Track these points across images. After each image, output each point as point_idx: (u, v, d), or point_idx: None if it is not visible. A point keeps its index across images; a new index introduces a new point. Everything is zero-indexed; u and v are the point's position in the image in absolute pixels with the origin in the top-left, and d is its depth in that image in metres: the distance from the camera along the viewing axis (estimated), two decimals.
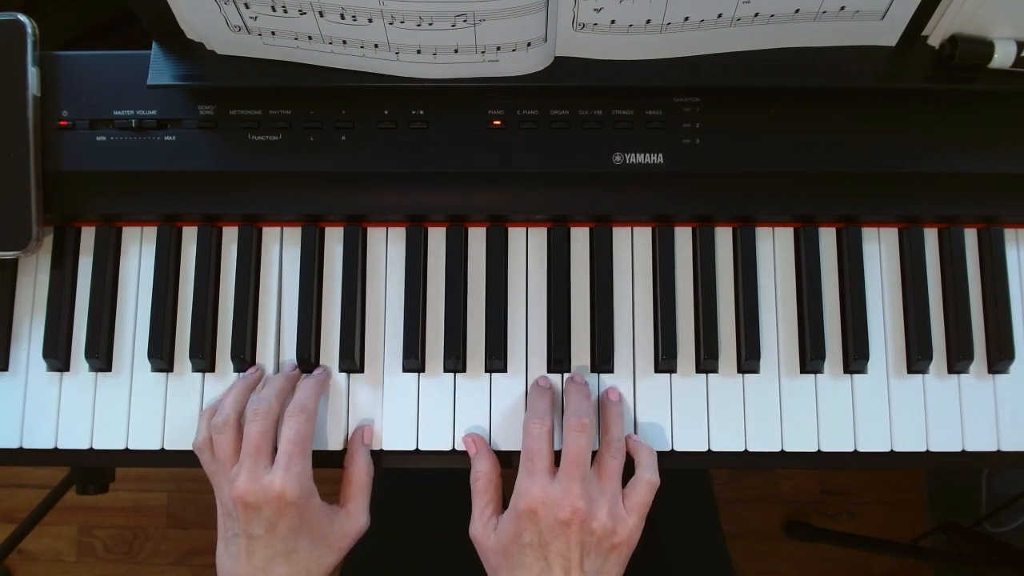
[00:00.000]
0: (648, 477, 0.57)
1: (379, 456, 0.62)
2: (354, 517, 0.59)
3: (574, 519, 0.52)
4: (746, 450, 0.61)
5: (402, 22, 0.53)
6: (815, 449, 0.62)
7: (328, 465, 0.62)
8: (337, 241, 0.64)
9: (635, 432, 0.62)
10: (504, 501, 0.58)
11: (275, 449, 0.57)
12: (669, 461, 0.61)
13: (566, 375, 0.62)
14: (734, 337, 0.63)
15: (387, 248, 0.64)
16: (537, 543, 0.53)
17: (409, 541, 0.80)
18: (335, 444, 0.62)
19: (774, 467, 0.62)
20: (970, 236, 0.65)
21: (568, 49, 0.58)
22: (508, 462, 0.61)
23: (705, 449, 0.62)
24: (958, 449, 0.62)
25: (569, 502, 0.53)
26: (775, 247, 0.64)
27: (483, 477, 0.58)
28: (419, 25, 0.53)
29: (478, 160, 0.60)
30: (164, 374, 0.63)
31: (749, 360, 0.62)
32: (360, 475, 0.59)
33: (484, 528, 0.57)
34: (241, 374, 0.62)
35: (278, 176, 0.61)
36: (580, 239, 0.64)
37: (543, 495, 0.53)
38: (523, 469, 0.56)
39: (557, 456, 0.57)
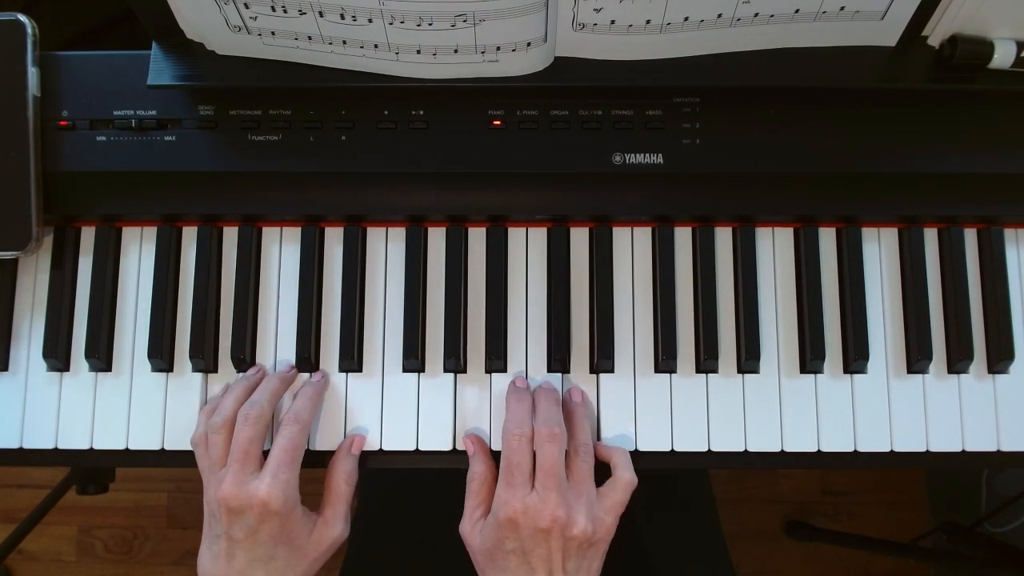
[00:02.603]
0: (628, 478, 0.58)
1: (379, 456, 0.62)
2: (330, 525, 0.58)
3: (554, 527, 0.53)
4: (746, 450, 0.61)
5: (402, 22, 0.53)
6: (815, 449, 0.62)
7: (323, 465, 0.62)
8: (337, 241, 0.64)
9: (635, 432, 0.62)
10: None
11: (267, 452, 0.57)
12: (669, 461, 0.61)
13: (569, 374, 0.62)
14: (734, 337, 0.63)
15: (387, 248, 0.64)
16: (520, 550, 0.54)
17: (410, 541, 0.80)
18: (331, 444, 0.62)
19: (774, 467, 0.62)
20: (970, 236, 0.65)
21: (568, 49, 0.58)
22: None
23: (705, 449, 0.62)
24: (958, 449, 0.62)
25: (549, 511, 0.53)
26: (775, 247, 0.64)
27: (478, 478, 0.59)
28: (419, 25, 0.53)
29: (478, 160, 0.60)
30: (164, 374, 0.63)
31: (749, 360, 0.62)
32: (340, 484, 0.59)
33: (472, 528, 0.57)
34: (242, 374, 0.62)
35: (278, 176, 0.60)
36: (580, 239, 0.64)
37: (523, 507, 0.54)
38: (503, 481, 0.56)
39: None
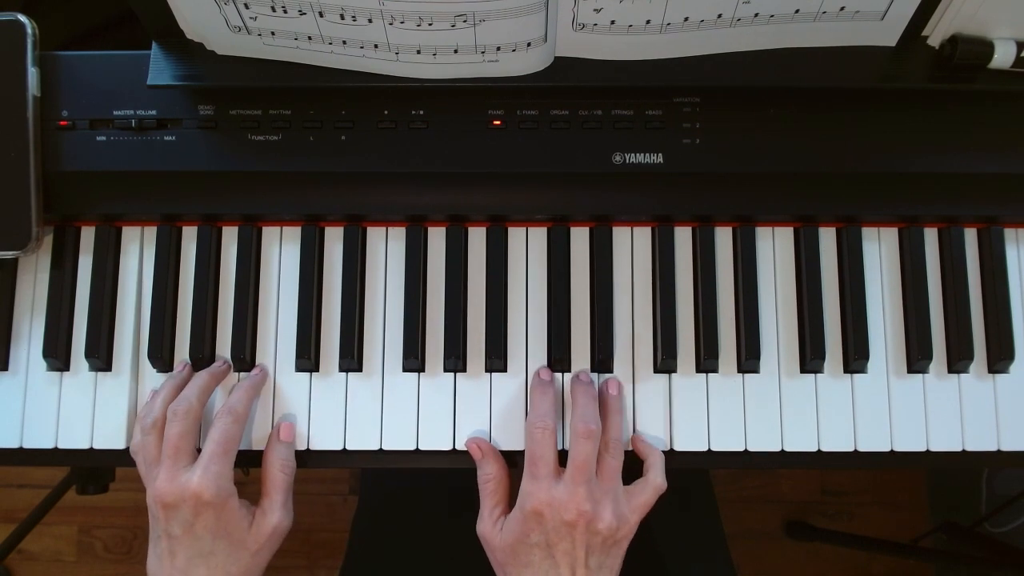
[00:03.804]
0: (659, 482, 0.58)
1: (379, 456, 0.62)
2: (269, 515, 0.58)
3: (579, 521, 0.53)
4: (746, 450, 0.61)
5: (402, 22, 0.53)
6: (815, 449, 0.62)
7: (329, 466, 0.62)
8: (337, 241, 0.64)
9: (634, 432, 0.62)
10: (511, 499, 0.58)
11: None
12: (669, 461, 0.61)
13: (567, 389, 0.62)
14: (734, 337, 0.63)
15: (387, 248, 0.64)
16: (544, 543, 0.54)
17: (410, 541, 0.80)
18: (332, 444, 0.62)
19: (774, 467, 0.62)
20: (970, 236, 0.65)
21: (568, 49, 0.58)
22: (512, 461, 0.61)
23: (705, 449, 0.62)
24: (958, 449, 0.62)
25: (575, 505, 0.53)
26: (775, 247, 0.64)
27: (493, 479, 0.59)
28: (419, 25, 0.53)
29: (478, 160, 0.60)
30: (164, 374, 0.63)
31: (749, 360, 0.62)
32: (274, 472, 0.59)
33: (493, 527, 0.57)
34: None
35: (278, 176, 0.61)
36: (580, 239, 0.64)
37: (549, 498, 0.54)
38: (528, 473, 0.56)
39: (561, 455, 0.57)
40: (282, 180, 0.61)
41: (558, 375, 0.62)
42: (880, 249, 0.64)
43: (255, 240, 0.64)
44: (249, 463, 0.61)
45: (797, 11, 0.55)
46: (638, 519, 0.57)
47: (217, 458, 0.55)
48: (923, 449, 0.62)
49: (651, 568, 0.77)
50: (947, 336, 0.63)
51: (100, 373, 0.63)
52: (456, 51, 0.56)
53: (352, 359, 0.62)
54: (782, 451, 0.62)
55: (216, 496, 0.54)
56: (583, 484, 0.54)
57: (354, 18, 0.53)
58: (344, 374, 0.63)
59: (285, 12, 0.54)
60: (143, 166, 0.60)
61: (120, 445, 0.62)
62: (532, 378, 0.61)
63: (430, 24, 0.53)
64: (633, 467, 0.60)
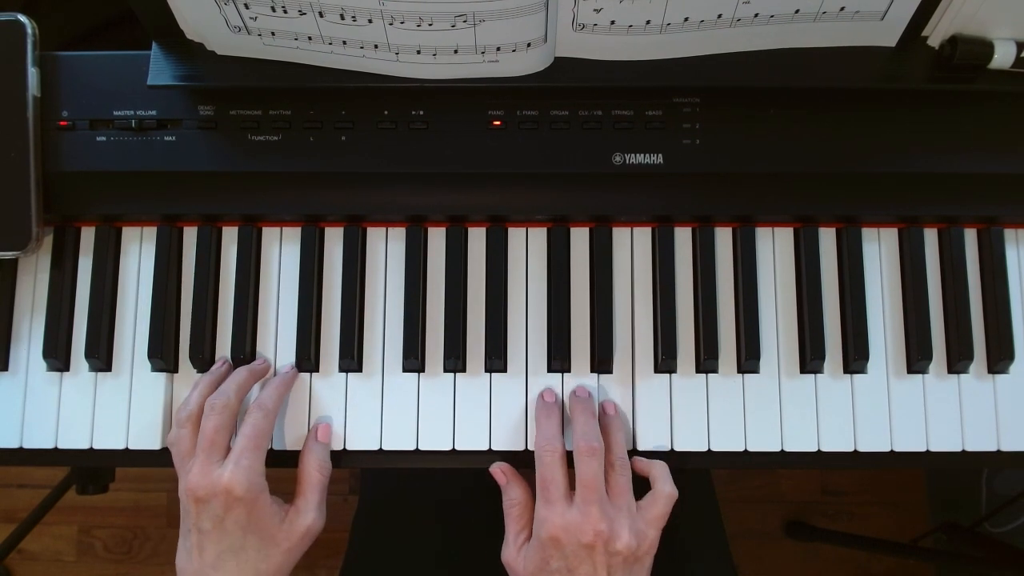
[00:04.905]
0: (668, 491, 0.58)
1: (379, 456, 0.62)
2: (303, 514, 0.58)
3: (597, 542, 0.53)
4: (746, 450, 0.61)
5: (402, 22, 0.53)
6: (815, 449, 0.62)
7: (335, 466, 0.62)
8: (337, 241, 0.64)
9: (634, 432, 0.62)
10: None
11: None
12: (669, 461, 0.61)
13: (567, 389, 0.62)
14: (734, 337, 0.63)
15: (387, 248, 0.64)
16: (565, 568, 0.54)
17: (410, 541, 0.80)
18: (335, 444, 0.62)
19: (774, 467, 0.62)
20: (970, 236, 0.65)
21: (568, 49, 0.58)
22: (510, 462, 0.61)
23: (705, 449, 0.62)
24: (958, 449, 0.62)
25: (591, 526, 0.53)
26: (775, 247, 0.64)
27: (519, 504, 0.58)
28: (419, 25, 0.53)
29: (478, 160, 0.60)
30: (164, 374, 0.63)
31: (749, 360, 0.62)
32: (311, 472, 0.59)
33: (517, 554, 0.57)
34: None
35: (278, 176, 0.61)
36: (580, 239, 0.64)
37: (563, 522, 0.54)
38: (540, 498, 0.56)
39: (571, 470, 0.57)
40: (282, 180, 0.61)
41: (556, 377, 0.62)
42: (880, 249, 0.64)
43: (255, 240, 0.64)
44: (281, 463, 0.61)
45: (797, 11, 0.55)
46: (657, 532, 0.56)
47: (248, 452, 0.55)
48: (923, 449, 0.62)
49: (652, 569, 0.77)
50: (947, 336, 0.63)
51: (100, 373, 0.63)
52: (456, 51, 0.56)
53: (352, 359, 0.62)
54: (782, 451, 0.62)
55: (247, 491, 0.54)
56: (595, 503, 0.54)
57: (354, 18, 0.53)
58: (344, 374, 0.63)
59: (285, 12, 0.54)
60: (143, 166, 0.60)
61: (120, 445, 0.62)
62: (536, 400, 0.61)
63: (430, 24, 0.53)
64: (640, 481, 0.60)
